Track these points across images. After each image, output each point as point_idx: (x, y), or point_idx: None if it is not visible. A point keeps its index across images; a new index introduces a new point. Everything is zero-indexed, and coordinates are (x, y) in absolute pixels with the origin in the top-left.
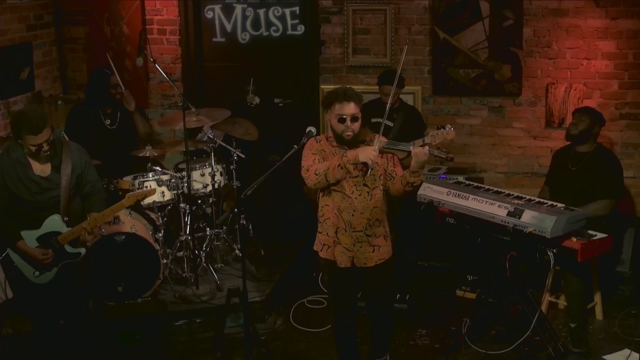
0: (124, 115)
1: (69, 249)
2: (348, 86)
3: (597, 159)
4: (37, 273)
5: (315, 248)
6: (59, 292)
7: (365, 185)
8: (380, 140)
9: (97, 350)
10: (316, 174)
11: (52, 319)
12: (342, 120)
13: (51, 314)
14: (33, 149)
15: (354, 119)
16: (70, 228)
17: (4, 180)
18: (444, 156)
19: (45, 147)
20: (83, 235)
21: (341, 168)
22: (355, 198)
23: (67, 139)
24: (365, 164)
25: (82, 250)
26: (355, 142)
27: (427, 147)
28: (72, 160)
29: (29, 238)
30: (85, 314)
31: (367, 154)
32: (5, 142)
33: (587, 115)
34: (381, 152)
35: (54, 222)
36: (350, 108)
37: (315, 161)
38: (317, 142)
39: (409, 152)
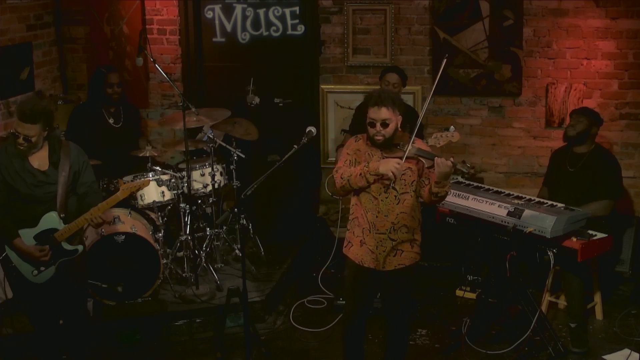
0: (128, 113)
1: (66, 246)
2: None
3: (595, 159)
4: (35, 272)
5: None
6: (57, 291)
7: (393, 188)
8: (412, 146)
9: (97, 351)
10: (342, 178)
11: (51, 318)
12: (371, 124)
13: (50, 314)
14: (12, 131)
15: (383, 124)
16: (66, 225)
17: (1, 175)
18: (465, 170)
19: (21, 140)
20: (91, 224)
21: (362, 177)
22: (382, 200)
23: (65, 139)
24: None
25: (80, 248)
26: (388, 144)
27: (451, 159)
28: (70, 158)
29: (26, 236)
30: (84, 313)
31: (389, 166)
32: (5, 142)
33: (584, 117)
34: (412, 158)
35: (51, 219)
36: (381, 113)
37: (347, 162)
38: (355, 141)
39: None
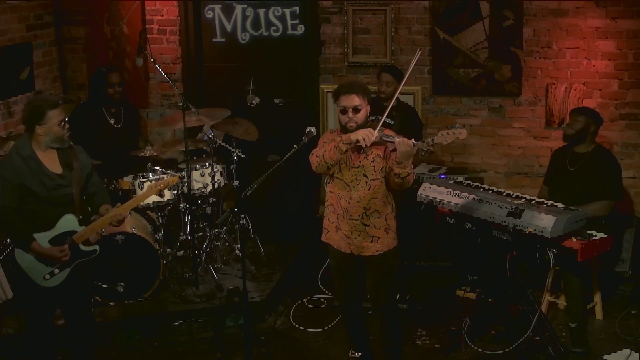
0: (128, 113)
1: (83, 247)
2: (355, 80)
3: (596, 159)
4: (47, 276)
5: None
6: (66, 293)
7: (364, 175)
8: (381, 129)
9: (97, 351)
10: (317, 157)
11: (48, 320)
12: (343, 111)
13: (49, 315)
14: (59, 126)
15: (355, 110)
16: (84, 226)
17: (19, 179)
18: (425, 148)
19: (67, 125)
20: (106, 228)
21: (336, 148)
22: (353, 187)
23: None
24: (359, 144)
25: (97, 248)
26: None
27: (412, 140)
28: (80, 160)
29: (42, 240)
30: (90, 313)
31: (360, 133)
32: (6, 143)
33: (582, 115)
34: (379, 142)
35: (69, 222)
36: (352, 100)
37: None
38: (330, 132)
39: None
